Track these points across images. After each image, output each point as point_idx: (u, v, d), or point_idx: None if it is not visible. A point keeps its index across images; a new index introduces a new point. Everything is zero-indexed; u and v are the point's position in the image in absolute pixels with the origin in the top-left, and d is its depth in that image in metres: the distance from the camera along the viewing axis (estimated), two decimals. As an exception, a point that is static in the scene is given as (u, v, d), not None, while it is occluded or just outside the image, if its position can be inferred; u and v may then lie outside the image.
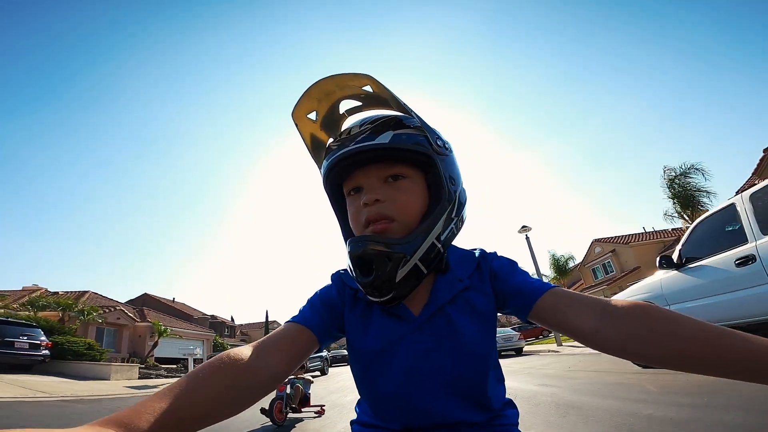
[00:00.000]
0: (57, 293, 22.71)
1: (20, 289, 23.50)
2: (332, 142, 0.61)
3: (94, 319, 16.04)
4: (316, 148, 0.66)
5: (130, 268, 74.39)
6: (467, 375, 0.56)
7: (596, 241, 27.08)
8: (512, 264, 0.62)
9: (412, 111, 0.57)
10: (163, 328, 18.13)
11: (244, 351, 0.49)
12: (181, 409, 0.39)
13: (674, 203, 16.76)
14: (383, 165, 0.56)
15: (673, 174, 16.65)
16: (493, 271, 0.60)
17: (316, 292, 0.65)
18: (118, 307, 19.55)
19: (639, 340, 0.43)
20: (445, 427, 0.55)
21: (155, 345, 18.47)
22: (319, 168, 0.64)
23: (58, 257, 63.13)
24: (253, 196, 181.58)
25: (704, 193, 16.09)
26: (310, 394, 4.98)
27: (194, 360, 14.75)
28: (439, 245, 0.56)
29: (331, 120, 0.66)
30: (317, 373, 15.52)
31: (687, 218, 16.64)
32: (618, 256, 24.76)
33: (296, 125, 0.63)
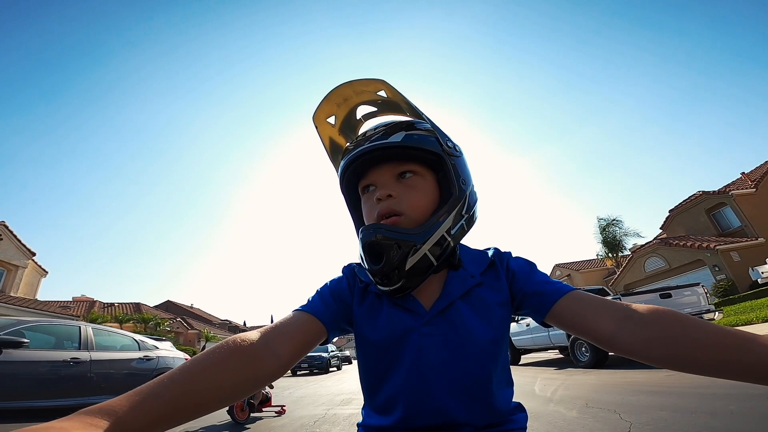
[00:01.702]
0: (113, 304, 26.95)
1: (71, 299, 26.34)
2: (349, 144, 0.64)
3: (165, 329, 20.92)
4: (334, 152, 0.69)
5: (133, 270, 77.76)
6: (475, 373, 0.55)
7: (557, 266, 32.55)
8: (531, 265, 0.63)
9: (423, 114, 0.61)
10: (211, 334, 23.13)
11: (252, 337, 0.48)
12: (181, 397, 0.39)
13: (603, 247, 22.34)
14: (396, 163, 0.59)
15: (604, 223, 22.22)
16: (512, 271, 0.61)
17: (326, 283, 0.65)
18: (177, 318, 24.40)
19: (658, 344, 0.44)
20: (450, 427, 0.54)
21: (203, 349, 23.39)
22: (337, 171, 0.67)
23: (66, 263, 66.48)
24: (249, 197, 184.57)
25: (632, 235, 21.61)
26: (271, 394, 5.11)
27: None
28: (449, 239, 0.57)
29: (349, 125, 0.69)
30: (334, 369, 18.56)
31: (613, 259, 22.27)
32: (572, 280, 30.08)
33: (316, 128, 0.66)
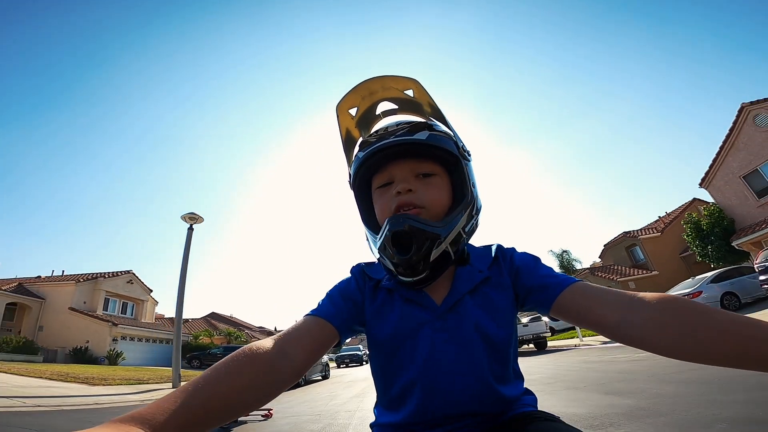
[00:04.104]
0: (188, 320, 34.05)
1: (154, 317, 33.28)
2: (369, 137, 0.63)
3: (240, 340, 28.67)
4: (348, 144, 0.71)
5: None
6: (485, 367, 0.57)
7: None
8: (535, 259, 0.63)
9: (445, 118, 0.65)
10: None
11: (267, 344, 0.50)
12: (205, 404, 0.40)
13: (560, 269, 29.95)
14: (416, 161, 0.61)
15: (559, 251, 29.88)
16: (516, 266, 0.62)
17: (335, 286, 0.66)
18: (245, 330, 32.19)
19: (667, 333, 0.42)
20: (463, 417, 0.56)
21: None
22: (349, 164, 0.69)
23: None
24: (263, 202, 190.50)
25: (577, 262, 29.36)
26: None
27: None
28: (464, 236, 0.60)
29: (367, 119, 0.71)
30: (365, 362, 24.35)
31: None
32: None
33: (338, 117, 0.68)
